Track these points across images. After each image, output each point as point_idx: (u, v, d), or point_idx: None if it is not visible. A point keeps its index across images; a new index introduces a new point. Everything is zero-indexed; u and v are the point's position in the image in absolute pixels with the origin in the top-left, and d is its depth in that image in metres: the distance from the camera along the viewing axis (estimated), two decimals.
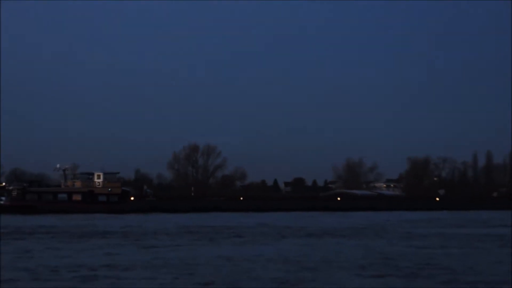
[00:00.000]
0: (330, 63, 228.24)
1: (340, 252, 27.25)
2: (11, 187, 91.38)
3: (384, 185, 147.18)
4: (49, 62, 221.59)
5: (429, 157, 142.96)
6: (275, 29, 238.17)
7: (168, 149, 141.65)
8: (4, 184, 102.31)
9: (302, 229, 49.53)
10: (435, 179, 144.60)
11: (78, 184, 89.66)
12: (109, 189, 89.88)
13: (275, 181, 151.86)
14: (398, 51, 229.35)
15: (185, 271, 19.05)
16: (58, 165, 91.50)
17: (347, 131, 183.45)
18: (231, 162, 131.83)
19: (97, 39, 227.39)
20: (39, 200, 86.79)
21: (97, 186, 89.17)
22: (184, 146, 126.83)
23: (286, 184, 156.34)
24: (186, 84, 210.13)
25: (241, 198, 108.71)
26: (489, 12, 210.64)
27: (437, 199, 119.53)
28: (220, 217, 73.93)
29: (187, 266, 20.95)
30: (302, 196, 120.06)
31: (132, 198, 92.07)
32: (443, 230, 49.57)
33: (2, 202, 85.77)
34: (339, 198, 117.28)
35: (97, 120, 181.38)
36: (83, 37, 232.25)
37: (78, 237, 39.01)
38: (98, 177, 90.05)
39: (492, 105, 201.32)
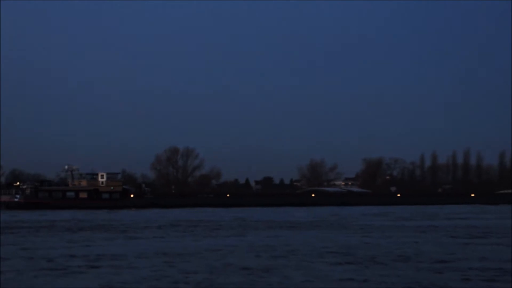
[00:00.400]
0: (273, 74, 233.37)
1: (309, 241, 29.92)
2: (24, 186, 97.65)
3: (343, 183, 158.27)
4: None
5: (382, 158, 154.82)
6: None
7: (151, 151, 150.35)
8: (18, 183, 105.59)
9: (275, 222, 53.91)
10: (387, 177, 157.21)
11: (84, 183, 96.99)
12: (112, 188, 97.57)
13: (247, 180, 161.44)
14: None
15: (164, 261, 20.17)
16: (66, 166, 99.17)
17: (309, 136, 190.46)
18: (208, 163, 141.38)
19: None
20: (49, 197, 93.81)
21: (101, 185, 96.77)
22: (165, 149, 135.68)
23: (257, 182, 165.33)
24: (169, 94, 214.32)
25: (228, 195, 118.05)
26: None
27: (399, 195, 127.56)
28: (206, 211, 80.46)
29: (165, 256, 22.41)
30: (283, 193, 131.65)
31: (132, 196, 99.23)
32: (397, 223, 54.70)
33: (16, 199, 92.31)
34: (313, 195, 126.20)
35: (87, 123, 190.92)
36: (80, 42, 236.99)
37: (78, 230, 42.61)
38: (102, 177, 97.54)
39: (439, 110, 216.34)
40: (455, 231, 39.91)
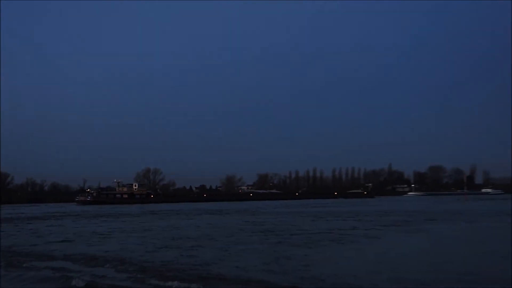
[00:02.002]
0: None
1: (230, 222, 36.47)
2: (92, 191, 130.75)
3: (246, 188, 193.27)
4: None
5: (268, 173, 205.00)
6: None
7: (132, 170, 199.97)
8: (88, 189, 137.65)
9: (209, 210, 62.39)
10: (271, 184, 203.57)
11: (124, 189, 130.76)
12: (141, 192, 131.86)
13: (190, 187, 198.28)
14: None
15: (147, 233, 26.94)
16: (115, 180, 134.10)
17: (224, 158, 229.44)
18: (167, 176, 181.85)
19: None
20: (106, 197, 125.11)
21: (134, 190, 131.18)
22: (142, 169, 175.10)
23: (196, 188, 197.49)
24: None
25: (204, 195, 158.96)
26: None
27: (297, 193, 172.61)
28: (189, 204, 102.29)
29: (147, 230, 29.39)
30: (212, 194, 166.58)
31: (152, 196, 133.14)
32: (283, 209, 65.90)
33: (88, 199, 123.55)
34: (251, 194, 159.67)
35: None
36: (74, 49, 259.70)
37: (121, 215, 53.17)
38: (135, 186, 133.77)
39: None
40: (315, 215, 46.06)
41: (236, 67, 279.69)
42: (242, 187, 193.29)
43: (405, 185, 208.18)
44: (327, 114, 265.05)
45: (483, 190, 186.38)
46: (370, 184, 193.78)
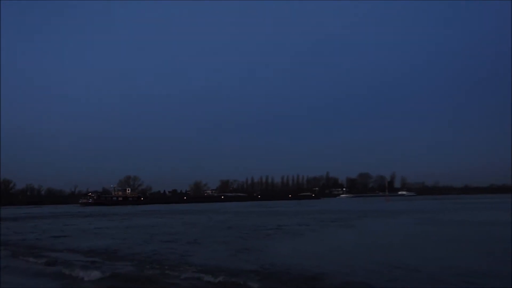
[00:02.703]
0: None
1: (200, 219, 35.19)
2: (93, 194, 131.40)
3: (210, 191, 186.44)
4: None
5: (229, 179, 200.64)
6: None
7: (115, 177, 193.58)
8: (90, 193, 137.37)
9: (180, 211, 59.17)
10: (231, 188, 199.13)
11: (120, 193, 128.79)
12: (133, 195, 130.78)
13: (164, 191, 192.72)
14: None
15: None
16: (112, 185, 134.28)
17: (194, 167, 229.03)
18: (145, 182, 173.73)
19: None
20: (105, 200, 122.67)
21: (128, 194, 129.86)
22: (125, 176, 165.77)
23: (169, 192, 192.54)
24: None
25: (185, 198, 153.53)
26: None
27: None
28: (169, 206, 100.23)
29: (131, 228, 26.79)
30: (182, 197, 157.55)
31: (142, 199, 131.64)
32: (248, 209, 64.04)
33: (90, 200, 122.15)
34: (222, 197, 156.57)
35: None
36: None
37: (112, 215, 49.70)
38: (128, 190, 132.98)
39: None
40: (275, 213, 43.95)
41: None
42: (208, 191, 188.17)
43: (339, 189, 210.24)
44: (277, 130, 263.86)
45: (400, 193, 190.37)
46: (316, 188, 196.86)
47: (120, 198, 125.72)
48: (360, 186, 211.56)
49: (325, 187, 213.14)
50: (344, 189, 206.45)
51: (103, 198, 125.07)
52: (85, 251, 15.69)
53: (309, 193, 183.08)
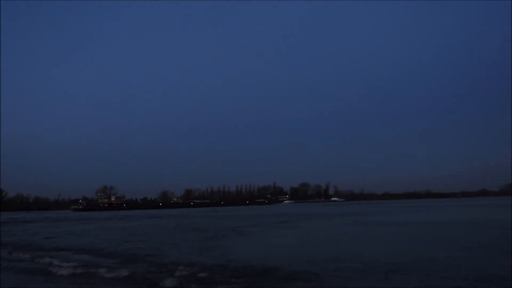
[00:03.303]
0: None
1: (169, 223, 32.01)
2: (83, 201, 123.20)
3: (176, 199, 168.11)
4: None
5: (197, 189, 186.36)
6: None
7: (93, 187, 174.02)
8: (80, 200, 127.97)
9: (153, 216, 55.04)
10: (193, 196, 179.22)
11: (105, 200, 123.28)
12: (117, 202, 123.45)
13: (136, 199, 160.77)
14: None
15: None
16: (98, 193, 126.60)
17: (166, 179, 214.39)
18: (120, 191, 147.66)
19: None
20: (94, 206, 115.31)
21: (113, 201, 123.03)
22: (102, 186, 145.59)
23: (140, 199, 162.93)
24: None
25: (160, 204, 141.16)
26: None
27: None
28: (150, 211, 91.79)
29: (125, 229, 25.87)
30: (152, 204, 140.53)
31: (124, 205, 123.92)
32: (212, 213, 62.14)
33: (80, 207, 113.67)
34: (192, 203, 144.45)
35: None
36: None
37: (96, 219, 45.45)
38: (113, 198, 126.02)
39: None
40: (236, 217, 41.78)
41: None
42: (174, 199, 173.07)
43: (284, 196, 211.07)
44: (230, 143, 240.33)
45: (333, 199, 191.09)
46: (269, 195, 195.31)
47: (106, 205, 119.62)
48: (301, 194, 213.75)
49: (272, 195, 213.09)
50: (287, 196, 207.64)
51: (91, 204, 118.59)
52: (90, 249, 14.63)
53: (263, 200, 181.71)
